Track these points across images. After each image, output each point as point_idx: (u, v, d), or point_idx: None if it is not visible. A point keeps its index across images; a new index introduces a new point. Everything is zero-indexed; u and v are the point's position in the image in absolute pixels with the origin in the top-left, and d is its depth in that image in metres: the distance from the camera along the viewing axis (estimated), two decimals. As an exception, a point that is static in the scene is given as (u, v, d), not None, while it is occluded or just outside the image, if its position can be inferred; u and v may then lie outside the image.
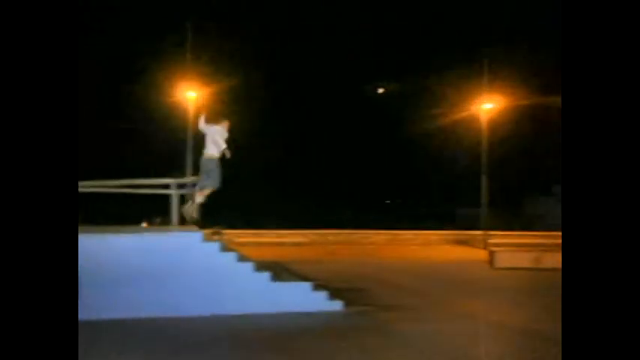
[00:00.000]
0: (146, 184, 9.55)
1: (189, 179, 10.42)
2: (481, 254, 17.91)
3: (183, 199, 9.16)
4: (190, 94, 22.07)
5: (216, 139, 8.79)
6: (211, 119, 9.06)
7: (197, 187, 8.96)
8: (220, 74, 24.58)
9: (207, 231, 15.45)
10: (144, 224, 14.94)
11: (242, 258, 8.34)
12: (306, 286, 8.21)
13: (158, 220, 17.61)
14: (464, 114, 25.11)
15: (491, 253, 15.29)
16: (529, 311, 8.34)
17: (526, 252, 16.20)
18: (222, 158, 8.88)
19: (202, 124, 8.94)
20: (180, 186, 9.15)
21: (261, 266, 8.36)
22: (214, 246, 8.10)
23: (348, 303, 8.26)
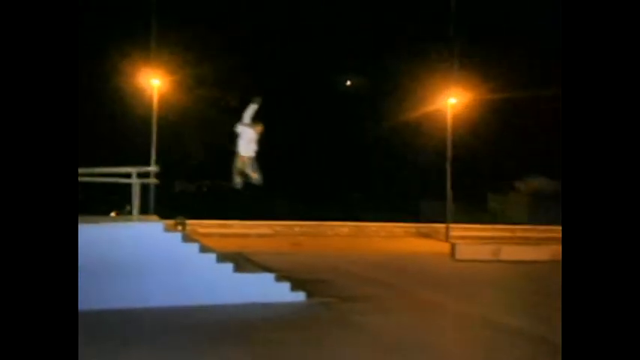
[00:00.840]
0: (107, 173, 9.32)
1: (152, 168, 10.22)
2: (443, 247, 18.26)
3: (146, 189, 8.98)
4: (155, 82, 21.71)
5: (253, 140, 8.91)
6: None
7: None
8: (189, 64, 24.31)
9: (171, 221, 15.24)
10: (113, 214, 14.62)
11: (205, 249, 8.27)
12: (269, 277, 8.20)
13: (128, 208, 17.35)
14: (431, 108, 25.48)
15: (453, 246, 15.63)
16: (487, 302, 8.58)
17: (486, 245, 16.64)
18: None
19: (248, 120, 8.85)
20: (142, 175, 8.97)
21: (224, 257, 8.31)
22: (176, 237, 8.00)
23: (311, 294, 8.31)
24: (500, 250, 15.03)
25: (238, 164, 9.02)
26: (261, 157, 9.08)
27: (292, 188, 29.74)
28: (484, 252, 15.06)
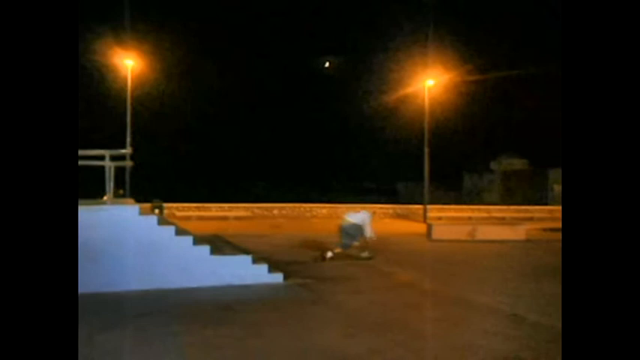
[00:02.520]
0: (80, 156, 9.10)
1: (126, 150, 10.03)
2: (420, 227, 18.47)
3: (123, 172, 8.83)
4: (128, 62, 21.29)
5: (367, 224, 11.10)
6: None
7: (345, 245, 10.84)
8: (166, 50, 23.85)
9: (147, 205, 15.04)
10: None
11: (181, 231, 8.20)
12: (247, 259, 8.19)
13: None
14: (408, 90, 25.53)
15: (429, 226, 15.81)
16: (462, 281, 8.72)
17: (461, 225, 16.89)
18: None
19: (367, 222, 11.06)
20: (116, 158, 8.79)
21: (200, 240, 8.27)
22: (152, 220, 7.91)
23: (288, 275, 8.34)
24: (475, 231, 15.27)
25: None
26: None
27: (271, 171, 29.65)
28: (460, 232, 15.29)
